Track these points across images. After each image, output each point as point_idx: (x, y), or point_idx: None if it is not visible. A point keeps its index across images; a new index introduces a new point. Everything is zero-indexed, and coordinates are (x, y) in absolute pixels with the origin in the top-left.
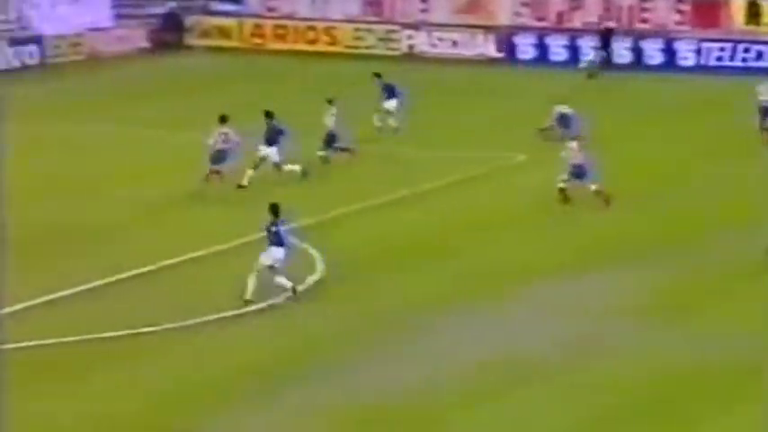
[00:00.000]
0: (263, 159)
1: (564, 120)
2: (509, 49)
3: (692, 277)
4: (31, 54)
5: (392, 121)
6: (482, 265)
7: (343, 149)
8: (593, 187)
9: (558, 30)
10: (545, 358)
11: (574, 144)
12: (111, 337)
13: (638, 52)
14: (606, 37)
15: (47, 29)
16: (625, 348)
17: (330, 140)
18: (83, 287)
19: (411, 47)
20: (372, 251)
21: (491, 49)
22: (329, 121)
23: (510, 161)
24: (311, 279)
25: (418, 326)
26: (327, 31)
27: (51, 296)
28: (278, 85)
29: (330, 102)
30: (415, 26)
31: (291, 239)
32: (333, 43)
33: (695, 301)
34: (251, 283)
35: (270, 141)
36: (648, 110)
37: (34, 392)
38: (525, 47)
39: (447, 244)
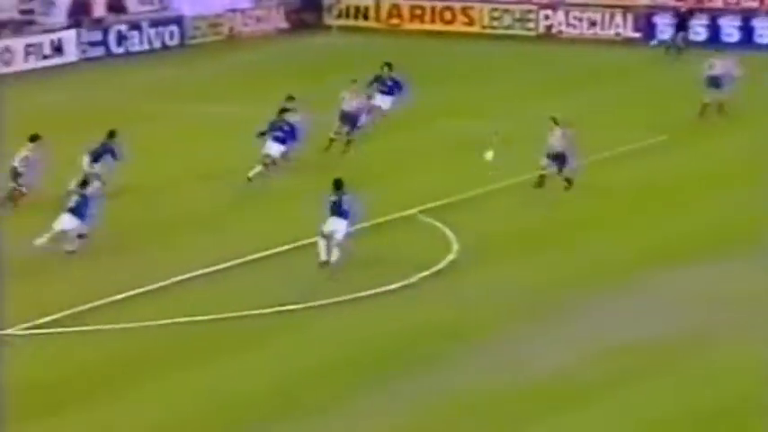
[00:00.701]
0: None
1: (714, 81)
2: (647, 29)
3: None
4: (171, 35)
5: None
6: (615, 249)
7: (345, 138)
8: (566, 174)
9: (697, 9)
10: (674, 345)
11: (558, 131)
12: (243, 317)
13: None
14: (684, 17)
15: (187, 10)
16: (753, 336)
17: (349, 120)
18: (213, 268)
19: (548, 27)
20: (508, 231)
21: (629, 29)
22: (351, 100)
23: (649, 141)
24: (446, 260)
25: (548, 310)
26: (464, 11)
27: (186, 275)
28: (415, 65)
29: (354, 81)
30: (553, 6)
31: (354, 211)
32: (470, 23)
33: None
34: (321, 246)
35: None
36: None
37: (169, 369)
38: (664, 27)
39: (581, 226)
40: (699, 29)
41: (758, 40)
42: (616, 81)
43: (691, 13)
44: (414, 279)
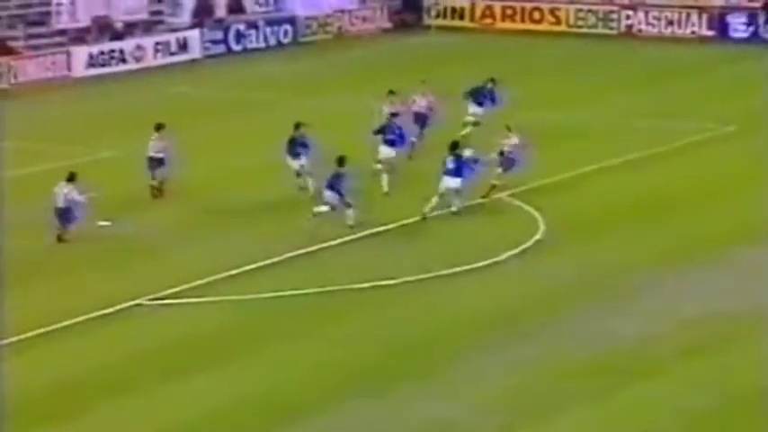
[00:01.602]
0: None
1: None
2: (721, 27)
3: None
4: (285, 33)
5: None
6: (694, 228)
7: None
8: (495, 181)
9: None
10: (750, 319)
11: (513, 138)
12: (343, 290)
13: None
14: None
15: (300, 10)
16: None
17: (422, 122)
18: (317, 246)
19: (629, 26)
20: (590, 213)
21: (704, 28)
22: (421, 102)
23: (720, 131)
24: (532, 239)
25: (628, 285)
26: (552, 11)
27: (292, 253)
28: (506, 61)
29: (423, 82)
30: (633, 7)
31: (469, 172)
32: (557, 23)
33: None
34: (433, 201)
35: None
36: None
37: (273, 339)
38: (737, 26)
39: (661, 208)
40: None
41: None
42: (690, 76)
43: None
44: (502, 257)
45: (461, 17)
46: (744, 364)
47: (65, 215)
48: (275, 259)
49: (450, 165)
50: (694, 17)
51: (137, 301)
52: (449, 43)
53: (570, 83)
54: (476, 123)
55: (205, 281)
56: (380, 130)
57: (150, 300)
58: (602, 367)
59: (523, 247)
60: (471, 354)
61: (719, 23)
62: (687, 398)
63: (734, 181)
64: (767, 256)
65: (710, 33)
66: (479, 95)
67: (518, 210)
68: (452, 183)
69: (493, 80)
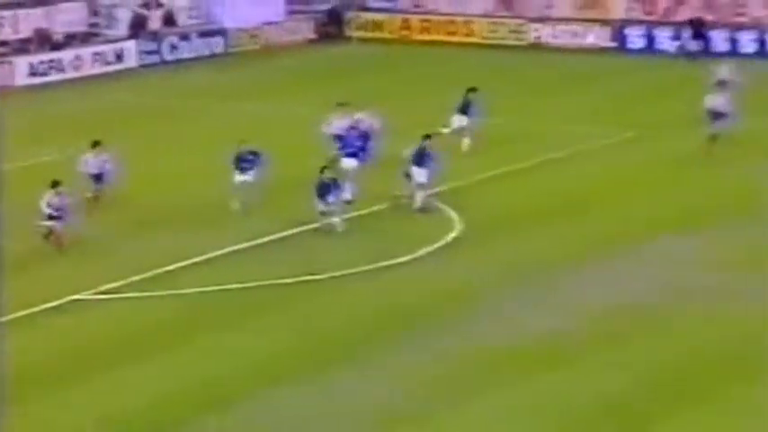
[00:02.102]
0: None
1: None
2: (621, 39)
3: None
4: (216, 44)
5: (465, 139)
6: (604, 225)
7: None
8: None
9: (664, 23)
10: (656, 307)
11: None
12: (272, 285)
13: (733, 42)
14: (698, 28)
15: (229, 23)
16: (728, 296)
17: (367, 139)
18: (248, 243)
19: (537, 38)
20: (505, 212)
21: (606, 40)
22: (366, 120)
23: (620, 136)
24: (450, 236)
25: (541, 279)
26: (466, 24)
27: (226, 250)
28: (423, 71)
29: (341, 105)
30: (541, 20)
31: (433, 161)
32: (469, 35)
33: None
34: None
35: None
36: None
37: (208, 330)
38: (635, 38)
39: (570, 207)
40: (665, 41)
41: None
42: (593, 85)
43: (702, 23)
44: (421, 253)
45: (381, 29)
46: (658, 350)
47: (53, 219)
48: (206, 257)
49: (423, 155)
50: (597, 29)
51: (76, 296)
52: (369, 53)
53: (483, 91)
54: (463, 133)
55: (140, 277)
56: (343, 146)
57: (89, 294)
58: (519, 356)
59: (441, 243)
60: (392, 344)
61: (619, 35)
62: (603, 383)
63: (638, 182)
64: (673, 248)
65: (611, 44)
66: (464, 107)
67: (437, 209)
68: (420, 173)
69: (473, 89)
